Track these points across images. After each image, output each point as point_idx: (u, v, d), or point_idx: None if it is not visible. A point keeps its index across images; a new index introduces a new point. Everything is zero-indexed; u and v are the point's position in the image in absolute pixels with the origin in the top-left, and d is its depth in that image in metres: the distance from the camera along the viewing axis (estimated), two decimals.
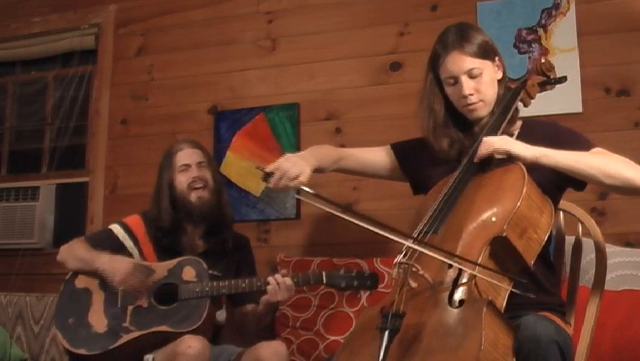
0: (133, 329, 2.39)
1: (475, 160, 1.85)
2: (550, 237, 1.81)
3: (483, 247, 1.68)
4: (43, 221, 3.67)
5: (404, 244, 1.69)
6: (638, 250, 2.56)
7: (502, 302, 1.67)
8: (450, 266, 1.66)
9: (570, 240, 2.07)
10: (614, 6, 2.85)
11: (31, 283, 3.48)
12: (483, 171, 1.85)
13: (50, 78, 3.93)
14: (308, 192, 1.72)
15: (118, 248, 2.59)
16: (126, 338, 2.37)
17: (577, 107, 2.81)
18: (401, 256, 1.69)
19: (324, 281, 2.39)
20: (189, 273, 2.44)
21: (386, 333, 1.51)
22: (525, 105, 2.04)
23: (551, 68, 2.07)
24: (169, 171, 2.65)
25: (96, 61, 3.72)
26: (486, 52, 1.98)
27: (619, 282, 2.44)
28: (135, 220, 2.68)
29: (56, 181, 3.76)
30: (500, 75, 2.02)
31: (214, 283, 2.40)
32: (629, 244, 2.66)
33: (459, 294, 1.63)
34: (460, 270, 1.64)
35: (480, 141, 1.85)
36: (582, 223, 2.03)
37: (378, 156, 2.21)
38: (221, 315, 2.62)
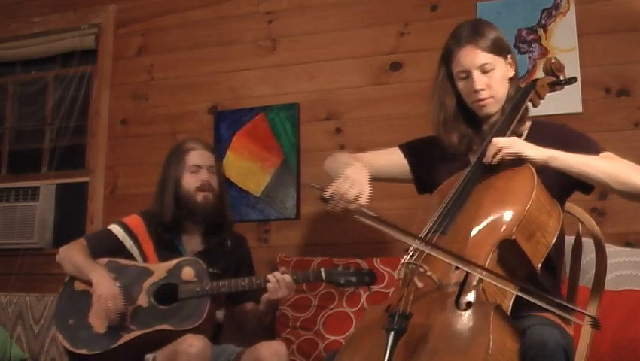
0: (134, 329, 2.39)
1: (484, 162, 1.84)
2: None
3: (491, 249, 1.67)
4: (43, 221, 3.67)
5: (410, 245, 1.68)
6: (638, 250, 2.56)
7: (508, 305, 1.66)
8: (457, 268, 1.65)
9: (570, 240, 2.07)
10: (614, 6, 2.85)
11: (31, 283, 3.47)
12: (491, 171, 1.83)
13: (50, 78, 3.93)
14: (368, 213, 1.67)
15: (118, 248, 2.60)
16: (127, 337, 2.38)
17: (577, 107, 2.81)
18: (408, 256, 1.68)
19: (323, 278, 2.40)
20: (188, 273, 2.45)
21: (392, 333, 1.49)
22: (535, 105, 2.04)
23: (561, 68, 2.07)
24: (177, 168, 2.64)
25: (96, 61, 3.72)
26: (500, 48, 1.97)
27: (619, 282, 2.44)
28: (134, 220, 2.68)
29: (56, 181, 3.76)
30: (512, 73, 2.01)
31: (214, 282, 2.40)
32: (629, 244, 2.65)
33: (467, 297, 1.61)
34: (468, 272, 1.63)
35: (489, 142, 1.84)
36: (582, 223, 2.03)
37: (390, 161, 2.18)
38: (220, 314, 2.62)
